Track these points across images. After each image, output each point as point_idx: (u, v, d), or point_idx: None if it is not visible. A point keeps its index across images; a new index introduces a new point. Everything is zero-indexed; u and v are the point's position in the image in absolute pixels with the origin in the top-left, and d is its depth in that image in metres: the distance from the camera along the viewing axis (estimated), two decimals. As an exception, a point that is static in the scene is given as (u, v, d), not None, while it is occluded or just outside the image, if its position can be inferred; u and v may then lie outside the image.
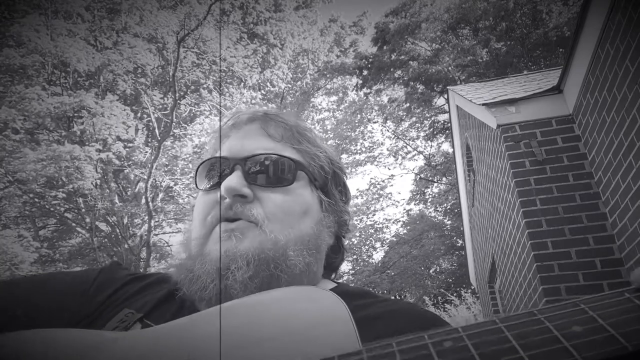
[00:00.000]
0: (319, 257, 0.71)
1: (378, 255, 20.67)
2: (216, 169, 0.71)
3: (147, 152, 16.41)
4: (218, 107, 17.16)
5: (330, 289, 0.66)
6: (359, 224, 20.48)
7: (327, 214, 0.74)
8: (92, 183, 14.14)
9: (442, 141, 20.23)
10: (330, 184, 0.76)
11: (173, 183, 16.21)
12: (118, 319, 0.63)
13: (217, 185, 0.69)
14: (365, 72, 19.23)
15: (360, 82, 19.76)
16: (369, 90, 20.04)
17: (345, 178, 0.82)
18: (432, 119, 19.91)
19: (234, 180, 0.66)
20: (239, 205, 0.66)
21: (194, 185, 0.75)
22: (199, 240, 0.67)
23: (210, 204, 0.69)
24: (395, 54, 18.61)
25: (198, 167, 0.74)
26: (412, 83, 18.45)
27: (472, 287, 11.06)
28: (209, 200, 0.70)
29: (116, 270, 0.75)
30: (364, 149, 21.73)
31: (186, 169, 15.91)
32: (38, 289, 0.69)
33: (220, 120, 0.80)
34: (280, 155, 0.70)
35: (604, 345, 0.28)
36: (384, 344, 0.33)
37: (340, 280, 0.82)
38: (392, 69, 18.81)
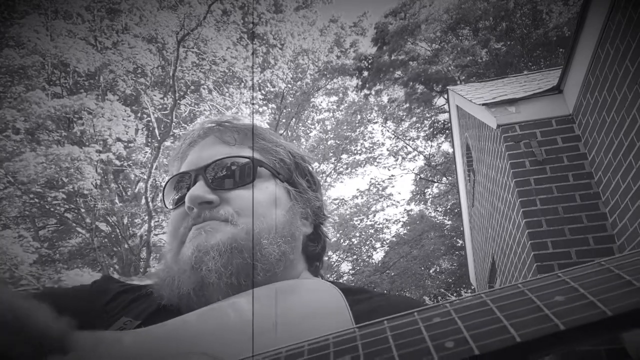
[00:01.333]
0: (295, 245, 0.73)
1: (378, 256, 20.64)
2: (180, 184, 0.74)
3: (147, 152, 16.39)
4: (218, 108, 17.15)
5: None
6: (359, 224, 20.45)
7: (297, 202, 0.76)
8: (92, 183, 14.12)
9: (442, 141, 20.20)
10: (295, 174, 0.79)
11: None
12: (117, 327, 0.64)
13: (183, 199, 0.71)
14: (365, 74, 19.20)
15: (360, 83, 19.73)
16: (369, 92, 20.03)
17: (310, 167, 0.84)
18: (432, 119, 19.89)
19: (197, 189, 0.69)
20: (207, 212, 0.68)
21: (164, 206, 0.77)
22: (173, 250, 0.70)
23: (180, 218, 0.71)
24: (395, 54, 18.60)
25: (164, 189, 0.77)
26: (412, 83, 18.42)
27: (472, 287, 11.05)
28: (178, 215, 0.72)
29: (108, 282, 0.78)
30: (364, 150, 21.68)
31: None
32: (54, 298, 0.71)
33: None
34: (238, 156, 0.73)
35: (585, 311, 0.29)
36: (375, 321, 0.34)
37: (339, 281, 0.83)
38: (391, 69, 18.79)
